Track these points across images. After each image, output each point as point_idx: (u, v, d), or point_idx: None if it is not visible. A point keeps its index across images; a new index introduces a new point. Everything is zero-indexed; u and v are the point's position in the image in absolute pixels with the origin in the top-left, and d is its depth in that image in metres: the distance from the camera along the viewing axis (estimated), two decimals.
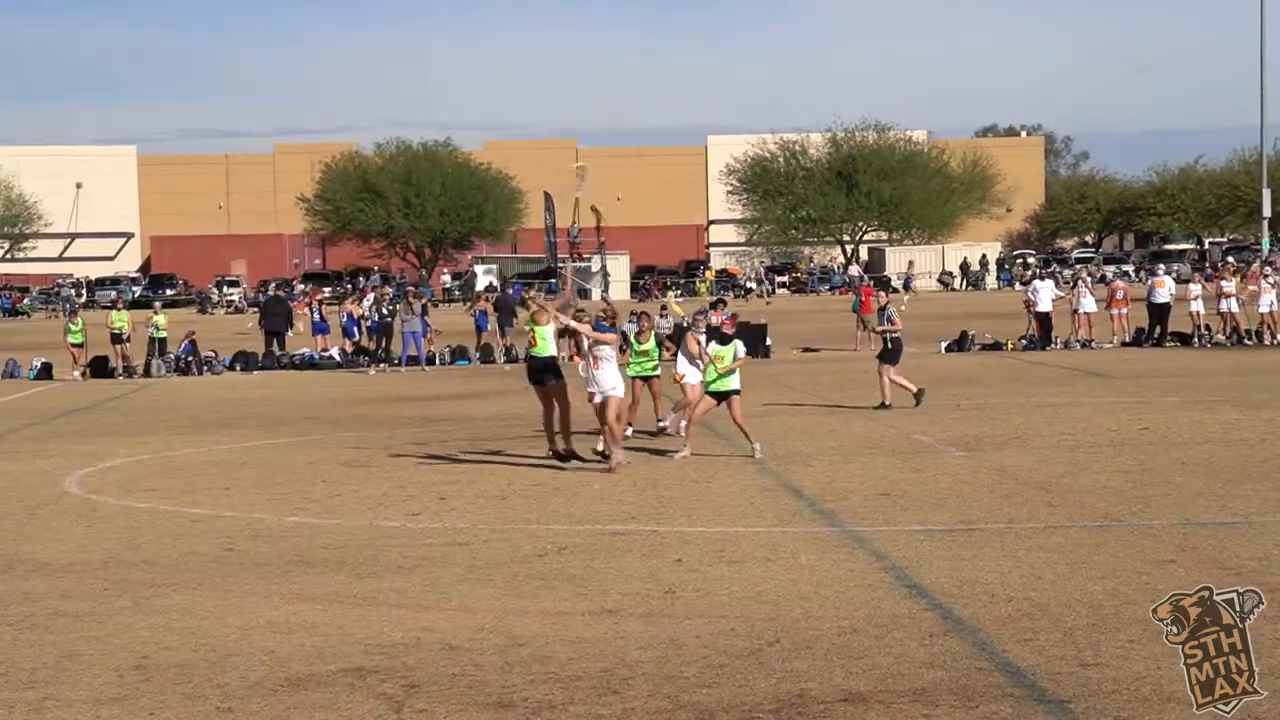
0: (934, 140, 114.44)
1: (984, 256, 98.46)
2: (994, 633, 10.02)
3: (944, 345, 39.43)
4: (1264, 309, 38.53)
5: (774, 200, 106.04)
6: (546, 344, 18.59)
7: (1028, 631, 10.01)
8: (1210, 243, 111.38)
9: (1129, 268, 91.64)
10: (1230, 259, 77.71)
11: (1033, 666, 9.19)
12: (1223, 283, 40.51)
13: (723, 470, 17.93)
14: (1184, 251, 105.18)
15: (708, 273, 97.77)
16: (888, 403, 23.76)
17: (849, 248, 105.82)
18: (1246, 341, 38.26)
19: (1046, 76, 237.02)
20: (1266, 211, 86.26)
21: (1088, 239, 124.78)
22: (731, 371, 19.02)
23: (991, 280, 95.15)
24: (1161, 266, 50.40)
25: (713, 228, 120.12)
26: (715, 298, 43.53)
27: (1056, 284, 45.44)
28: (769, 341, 39.16)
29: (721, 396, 18.99)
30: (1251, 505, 14.55)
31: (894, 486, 16.30)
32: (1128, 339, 39.67)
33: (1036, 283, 43.58)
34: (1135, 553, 12.47)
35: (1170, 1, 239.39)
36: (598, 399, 18.28)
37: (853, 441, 20.20)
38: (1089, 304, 39.85)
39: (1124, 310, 40.72)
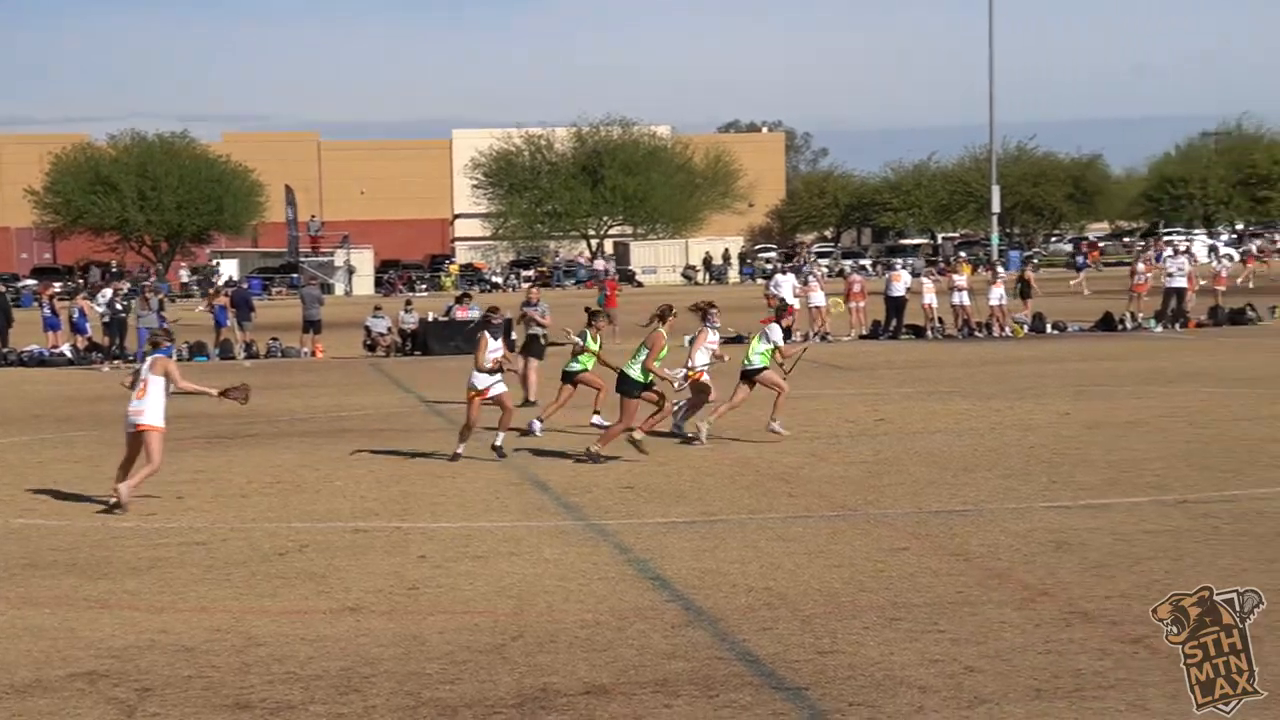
0: (678, 136, 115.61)
1: (726, 251, 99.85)
2: (734, 622, 10.16)
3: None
4: (993, 303, 39.79)
5: (519, 194, 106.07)
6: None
7: (767, 620, 10.17)
8: (943, 238, 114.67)
9: (866, 262, 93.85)
10: (962, 254, 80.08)
11: (772, 655, 9.34)
12: (955, 276, 41.76)
13: (467, 466, 17.86)
14: (918, 246, 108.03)
15: (452, 267, 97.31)
16: (532, 399, 24.11)
17: (594, 242, 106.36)
18: (977, 334, 39.47)
19: (787, 74, 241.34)
20: (996, 207, 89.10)
21: (827, 234, 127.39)
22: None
23: (734, 274, 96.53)
24: (898, 261, 51.83)
25: (458, 222, 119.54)
26: (460, 292, 43.36)
27: (798, 277, 46.31)
28: (514, 337, 39.09)
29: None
30: (981, 493, 15.01)
31: (638, 479, 16.43)
32: (865, 332, 40.65)
33: (778, 276, 44.36)
34: (870, 541, 12.77)
35: (905, 3, 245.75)
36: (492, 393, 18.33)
37: (596, 434, 20.28)
38: (819, 298, 40.77)
39: (861, 304, 41.73)
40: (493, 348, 18.61)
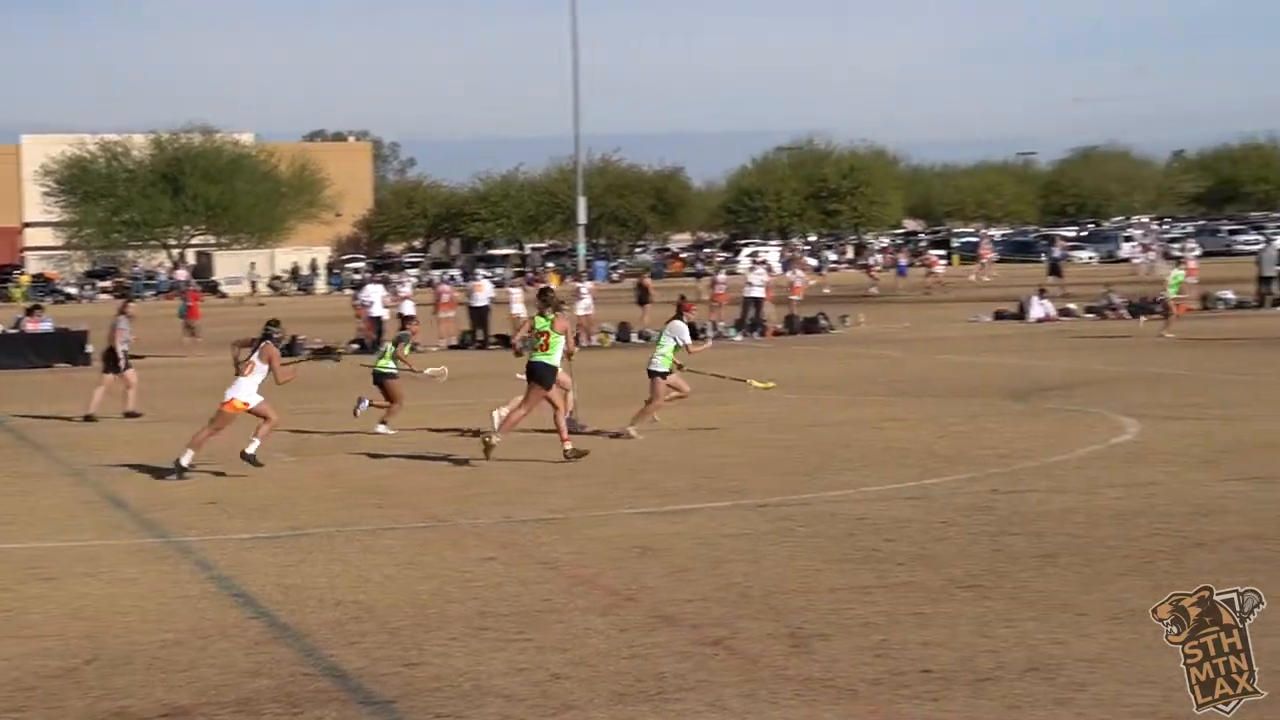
0: (262, 144, 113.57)
1: (314, 261, 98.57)
2: (321, 637, 10.00)
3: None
4: (580, 312, 40.39)
5: (95, 203, 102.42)
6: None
7: (354, 634, 10.05)
8: (531, 248, 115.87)
9: (455, 272, 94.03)
10: (550, 264, 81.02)
11: (359, 669, 9.23)
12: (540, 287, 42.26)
13: (40, 483, 17.10)
14: (507, 256, 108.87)
15: (22, 277, 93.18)
16: (93, 414, 23.50)
17: (176, 252, 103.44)
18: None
19: (373, 83, 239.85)
20: (582, 218, 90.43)
21: (416, 244, 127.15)
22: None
23: (321, 284, 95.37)
24: (480, 270, 52.02)
25: (29, 230, 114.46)
26: (32, 304, 41.58)
27: (386, 287, 46.07)
28: (89, 349, 37.67)
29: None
30: (568, 501, 15.19)
31: (222, 494, 16.03)
32: (454, 342, 40.70)
33: (369, 287, 44.04)
34: (459, 551, 12.77)
35: (491, 14, 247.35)
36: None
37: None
38: (409, 308, 40.74)
39: (449, 314, 41.80)
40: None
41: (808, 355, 34.57)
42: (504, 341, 40.08)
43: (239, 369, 17.65)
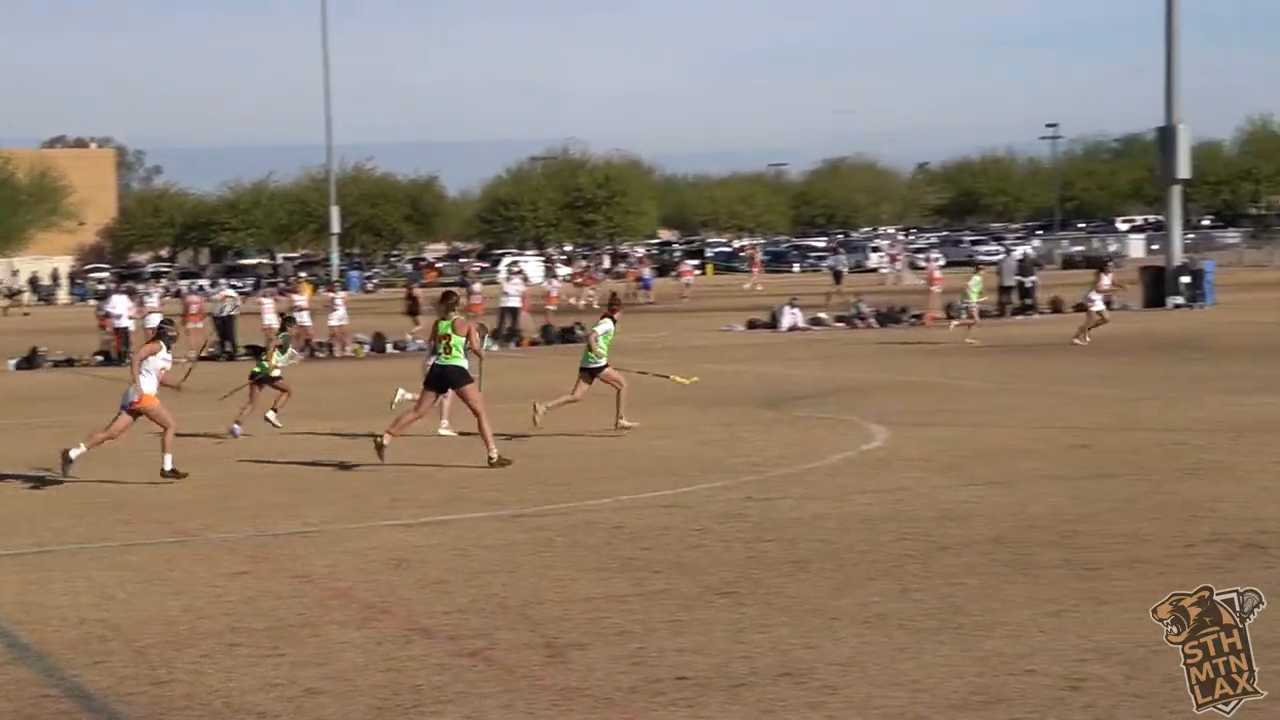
0: None
1: (55, 271, 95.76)
2: (64, 657, 9.71)
3: (13, 363, 37.99)
4: (334, 323, 39.93)
5: None
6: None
7: (99, 653, 9.78)
8: (284, 257, 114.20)
9: (204, 282, 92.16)
10: (303, 274, 79.91)
11: (104, 689, 8.99)
12: (295, 297, 41.70)
13: None
14: (258, 265, 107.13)
15: None
16: None
17: None
18: (318, 354, 39.50)
19: (116, 89, 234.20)
20: (335, 227, 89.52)
21: (163, 253, 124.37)
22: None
23: (64, 295, 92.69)
24: (223, 281, 51.00)
25: None
26: None
27: (132, 298, 44.98)
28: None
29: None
30: (324, 514, 15.00)
31: None
32: (205, 353, 39.85)
33: (115, 297, 42.95)
34: (210, 566, 12.51)
35: (240, 21, 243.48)
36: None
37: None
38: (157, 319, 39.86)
39: (198, 325, 40.97)
40: (164, 357, 17.54)
41: (564, 365, 34.65)
42: (255, 352, 39.39)
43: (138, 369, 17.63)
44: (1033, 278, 50.97)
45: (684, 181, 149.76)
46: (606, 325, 21.43)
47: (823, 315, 47.46)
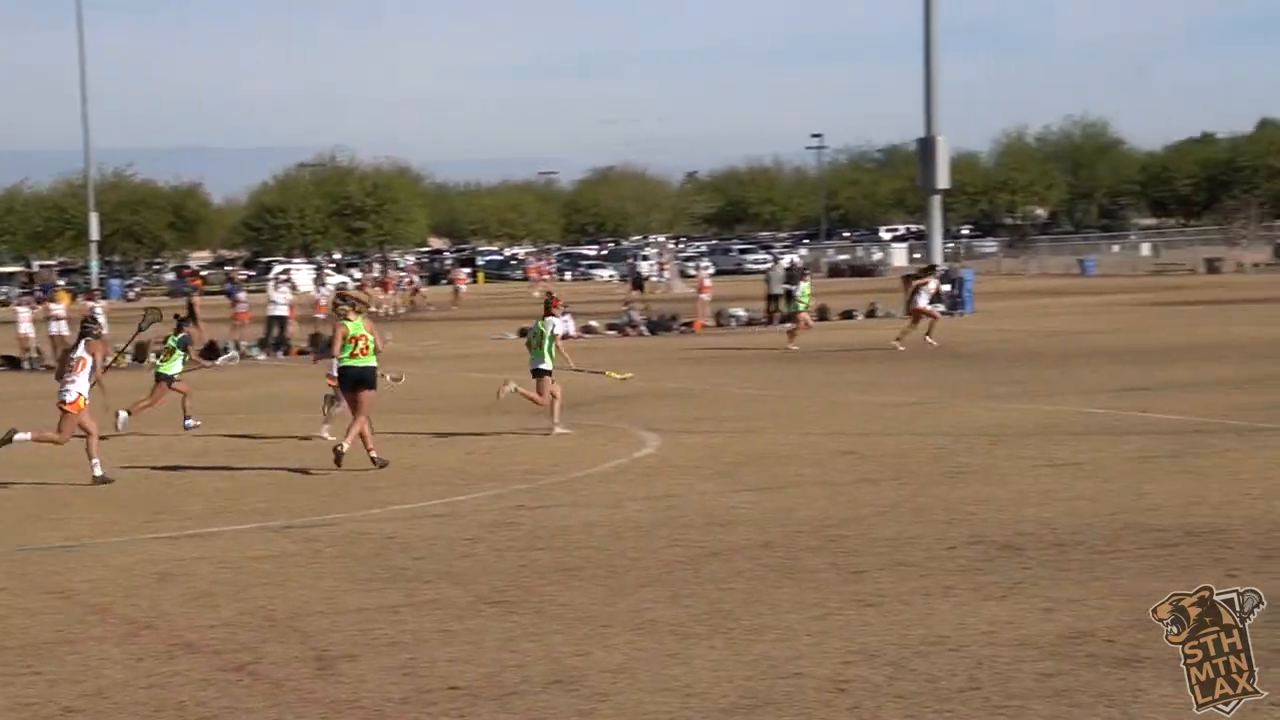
0: None
1: None
2: None
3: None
4: (53, 333, 38.47)
5: None
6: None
7: None
8: (40, 265, 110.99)
9: None
10: (60, 282, 77.80)
11: None
12: (52, 305, 40.51)
13: None
14: (14, 274, 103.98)
15: None
16: None
17: None
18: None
19: None
20: (95, 234, 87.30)
21: None
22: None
23: None
24: None
25: None
26: None
27: None
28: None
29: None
30: (84, 528, 14.63)
31: None
32: None
33: None
34: None
35: None
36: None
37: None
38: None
39: None
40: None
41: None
42: (11, 362, 38.23)
43: (70, 368, 17.71)
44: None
45: (454, 189, 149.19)
46: (554, 323, 21.59)
47: (594, 323, 47.66)
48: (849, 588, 11.03)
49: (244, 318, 43.74)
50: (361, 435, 18.04)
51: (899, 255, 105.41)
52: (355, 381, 18.40)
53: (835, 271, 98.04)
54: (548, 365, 21.40)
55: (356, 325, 18.45)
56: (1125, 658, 8.87)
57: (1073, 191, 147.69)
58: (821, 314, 51.12)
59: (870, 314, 51.72)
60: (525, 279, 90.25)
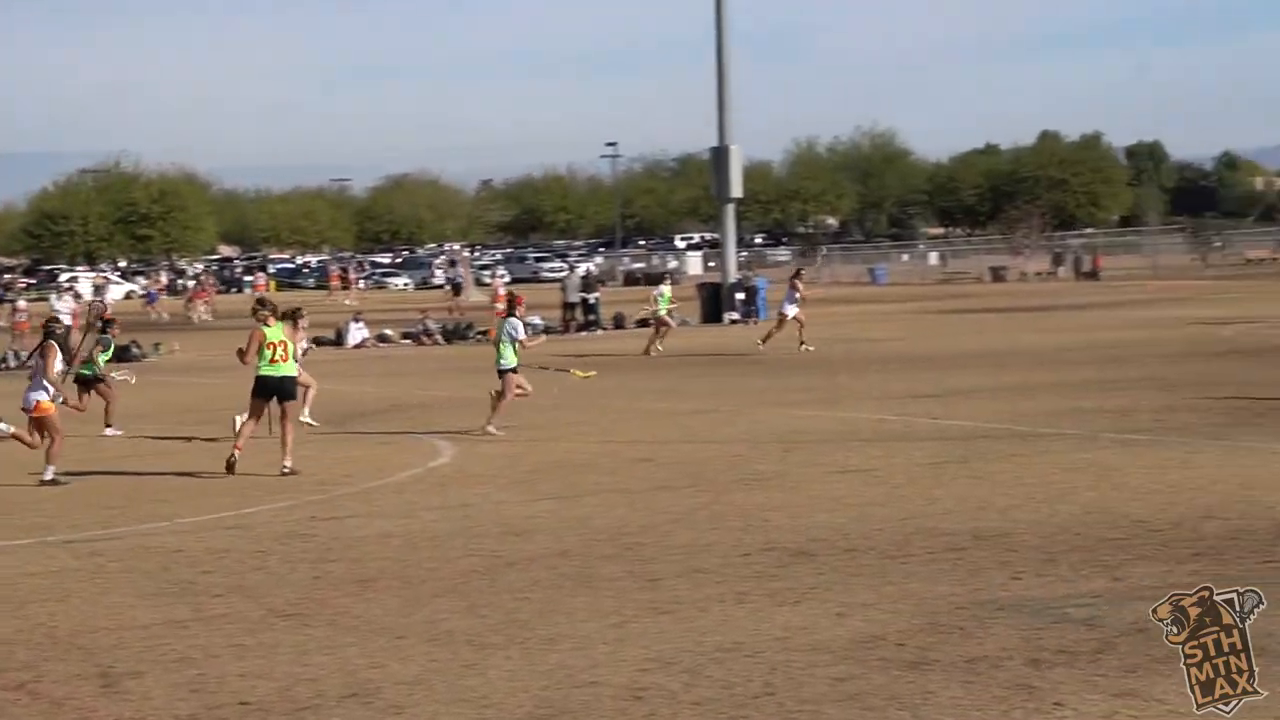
0: None
1: None
2: None
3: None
4: None
5: None
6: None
7: None
8: None
9: None
10: None
11: None
12: None
13: None
14: None
15: None
16: None
17: None
18: None
19: None
20: None
21: None
22: None
23: None
24: None
25: None
26: None
27: None
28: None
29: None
30: None
31: None
32: None
33: None
34: None
35: None
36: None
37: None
38: None
39: None
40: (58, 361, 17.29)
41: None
42: None
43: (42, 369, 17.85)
44: (595, 294, 52.02)
45: (244, 196, 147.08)
46: (517, 323, 21.82)
47: (389, 332, 47.28)
48: (645, 595, 11.07)
49: (23, 327, 42.59)
50: (285, 441, 18.12)
51: (694, 263, 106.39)
52: (273, 391, 18.18)
53: (630, 280, 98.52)
54: (511, 364, 21.67)
55: (275, 331, 18.17)
56: (915, 660, 9.03)
57: (863, 201, 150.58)
58: (618, 322, 51.42)
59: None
60: (324, 287, 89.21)
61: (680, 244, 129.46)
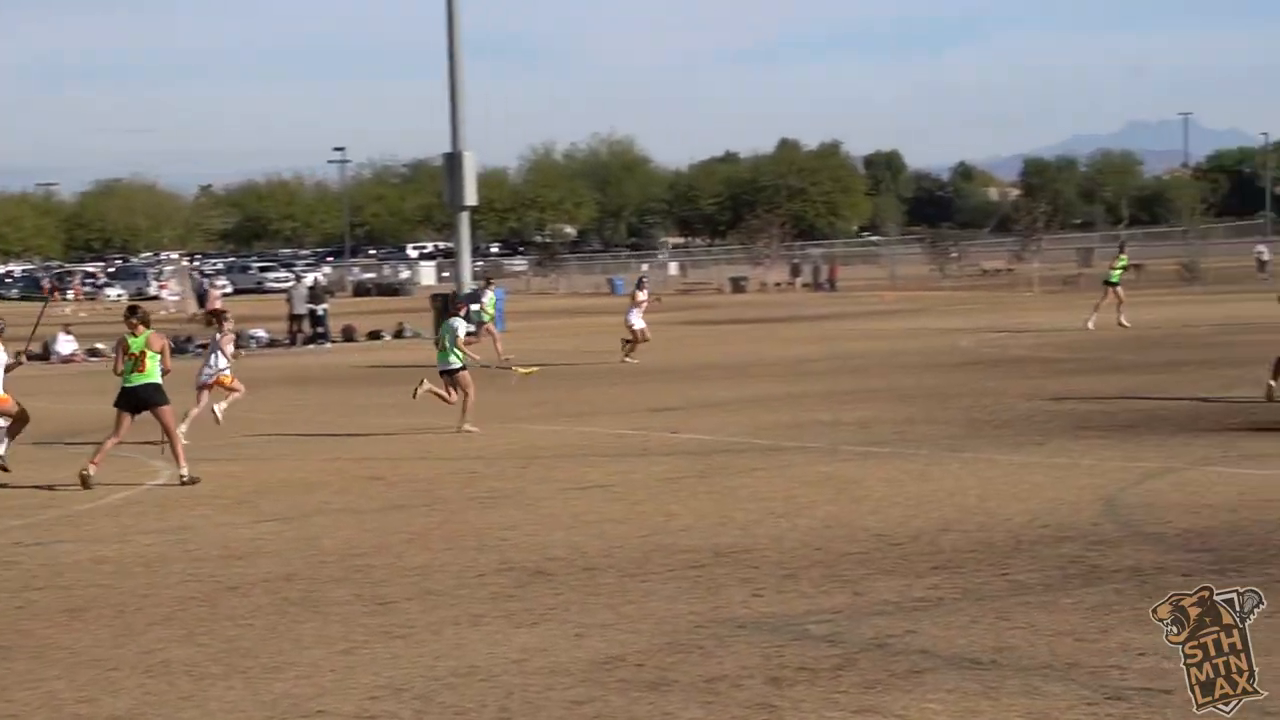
0: None
1: None
2: None
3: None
4: None
5: None
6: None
7: None
8: None
9: None
10: None
11: None
12: None
13: None
14: None
15: None
16: None
17: None
18: None
19: None
20: None
21: None
22: None
23: None
24: None
25: None
26: None
27: None
28: None
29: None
30: None
31: None
32: None
33: None
34: None
35: None
36: None
37: None
38: None
39: None
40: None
41: None
42: None
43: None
44: (324, 305, 51.43)
45: None
46: (459, 323, 23.18)
47: (100, 345, 46.04)
48: (376, 620, 10.96)
49: None
50: (175, 452, 18.12)
51: (427, 274, 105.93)
52: (129, 400, 18.06)
53: (361, 290, 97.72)
54: (457, 364, 22.88)
55: (138, 341, 17.91)
56: (655, 681, 9.10)
57: (601, 209, 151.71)
58: (348, 335, 50.91)
59: (398, 334, 51.78)
60: (31, 298, 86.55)
61: (413, 253, 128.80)
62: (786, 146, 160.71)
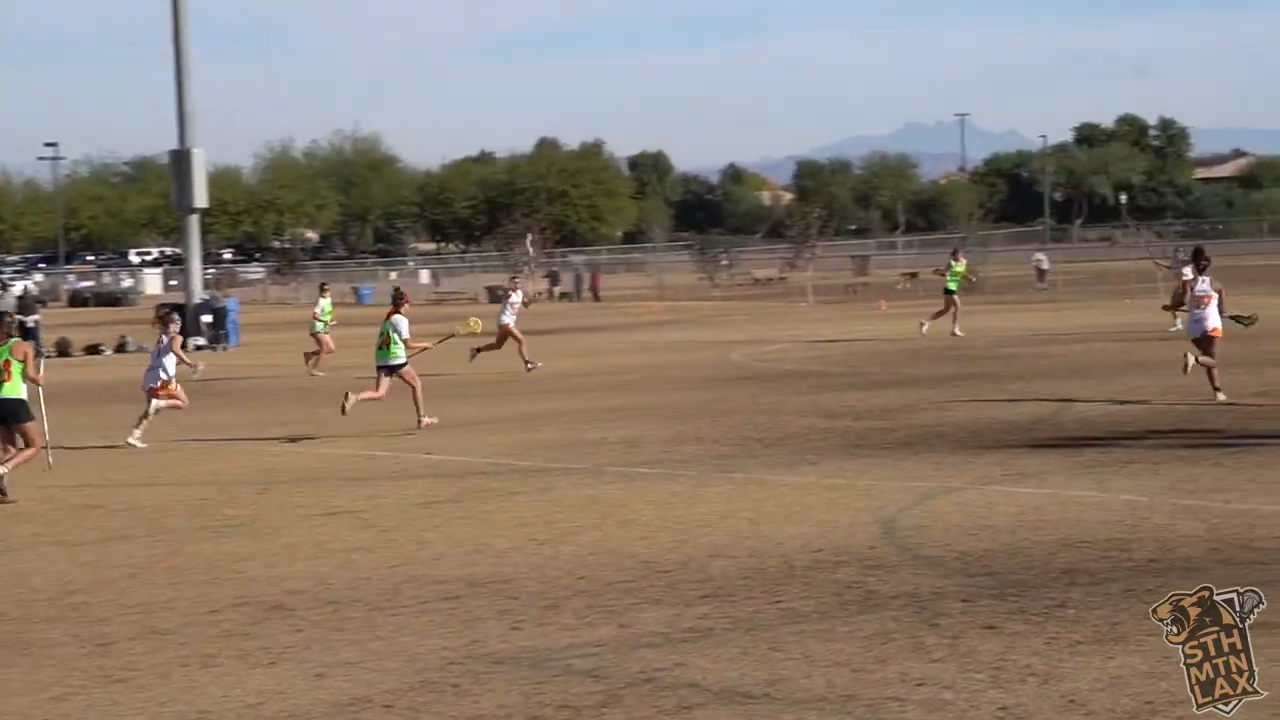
0: None
1: None
2: None
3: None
4: None
5: None
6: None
7: None
8: None
9: None
10: None
11: None
12: None
13: None
14: None
15: None
16: None
17: None
18: None
19: None
20: None
21: None
22: None
23: None
24: None
25: None
26: None
27: None
28: None
29: None
30: None
31: None
32: None
33: None
34: None
35: None
36: None
37: None
38: None
39: None
40: None
41: None
42: None
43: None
44: (35, 317, 50.21)
45: None
46: (404, 321, 24.56)
47: None
48: (94, 662, 10.71)
49: None
50: (19, 464, 18.06)
51: (153, 282, 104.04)
52: (3, 417, 18.00)
53: (77, 300, 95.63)
54: (399, 360, 24.52)
55: (2, 350, 17.79)
56: None
57: (346, 212, 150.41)
58: (63, 349, 49.75)
59: (120, 348, 50.76)
60: None
61: (136, 260, 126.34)
62: (546, 146, 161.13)
